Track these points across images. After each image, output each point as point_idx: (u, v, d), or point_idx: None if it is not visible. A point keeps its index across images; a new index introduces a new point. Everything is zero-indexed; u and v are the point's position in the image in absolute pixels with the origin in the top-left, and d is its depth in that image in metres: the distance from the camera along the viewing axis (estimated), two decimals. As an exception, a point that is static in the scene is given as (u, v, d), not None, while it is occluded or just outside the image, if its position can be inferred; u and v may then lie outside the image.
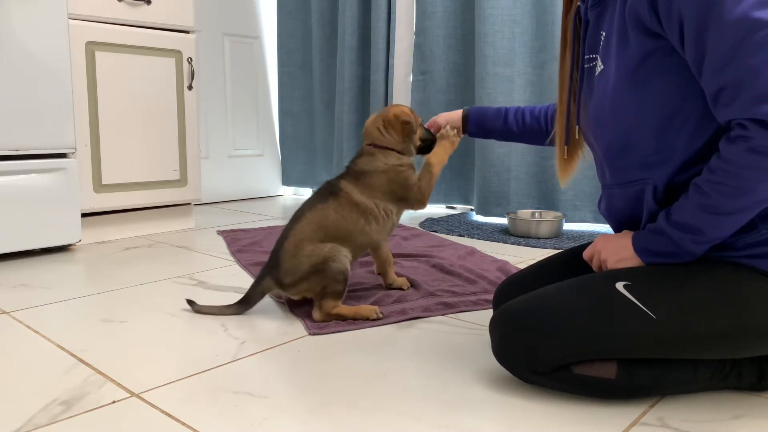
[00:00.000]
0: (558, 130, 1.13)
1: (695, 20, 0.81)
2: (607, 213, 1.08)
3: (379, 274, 1.55)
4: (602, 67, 0.97)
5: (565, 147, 1.12)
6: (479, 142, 2.55)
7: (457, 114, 1.45)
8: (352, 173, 1.40)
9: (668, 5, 0.84)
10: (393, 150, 1.42)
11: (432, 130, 1.50)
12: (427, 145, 1.48)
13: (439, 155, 1.44)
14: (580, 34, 1.06)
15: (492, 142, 2.50)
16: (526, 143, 1.39)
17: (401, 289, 1.53)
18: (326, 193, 1.38)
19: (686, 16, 0.82)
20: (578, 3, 1.06)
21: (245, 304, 1.35)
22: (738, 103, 0.79)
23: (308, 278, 1.30)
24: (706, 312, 0.87)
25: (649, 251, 0.93)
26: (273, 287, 1.34)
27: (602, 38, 0.98)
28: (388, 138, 1.42)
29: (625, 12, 0.90)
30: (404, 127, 1.41)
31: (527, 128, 1.35)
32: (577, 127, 1.09)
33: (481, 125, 1.41)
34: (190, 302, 1.38)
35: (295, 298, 1.36)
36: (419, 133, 1.46)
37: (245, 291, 1.37)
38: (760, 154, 0.78)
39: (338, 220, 1.34)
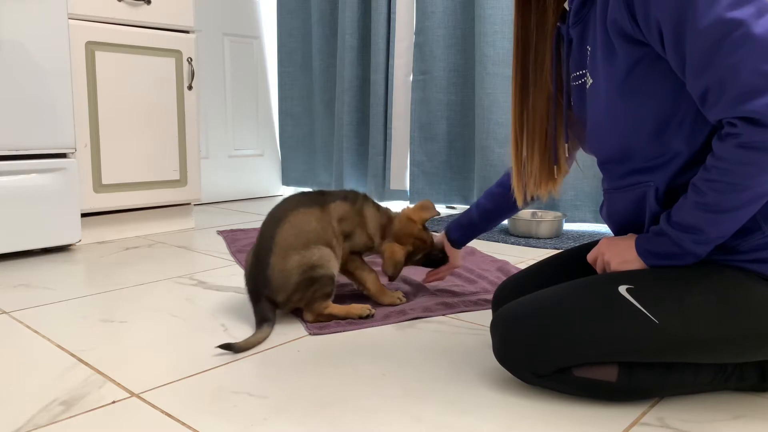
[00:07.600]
0: (514, 151, 1.14)
1: (671, 27, 0.82)
2: (608, 218, 1.07)
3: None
4: (592, 81, 0.97)
5: (555, 167, 1.12)
6: (479, 141, 2.54)
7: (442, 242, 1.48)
8: (354, 207, 1.39)
9: (646, 14, 0.84)
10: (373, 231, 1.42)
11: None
12: (431, 259, 1.48)
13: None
14: (561, 54, 1.06)
15: (491, 141, 2.50)
16: (508, 214, 1.39)
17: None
18: (314, 200, 1.35)
19: (663, 23, 0.82)
20: (557, 24, 1.06)
21: (268, 321, 1.26)
22: (723, 102, 0.80)
23: (299, 288, 1.27)
24: (709, 317, 0.87)
25: (651, 253, 0.93)
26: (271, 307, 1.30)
27: (588, 53, 0.98)
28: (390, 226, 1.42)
29: (606, 24, 0.90)
30: (412, 240, 1.42)
31: (502, 201, 1.35)
32: (566, 144, 1.09)
33: (466, 233, 1.43)
34: (226, 347, 1.15)
35: (287, 312, 1.33)
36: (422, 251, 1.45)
37: (245, 291, 1.37)
38: (750, 149, 0.79)
39: (318, 230, 1.31)
